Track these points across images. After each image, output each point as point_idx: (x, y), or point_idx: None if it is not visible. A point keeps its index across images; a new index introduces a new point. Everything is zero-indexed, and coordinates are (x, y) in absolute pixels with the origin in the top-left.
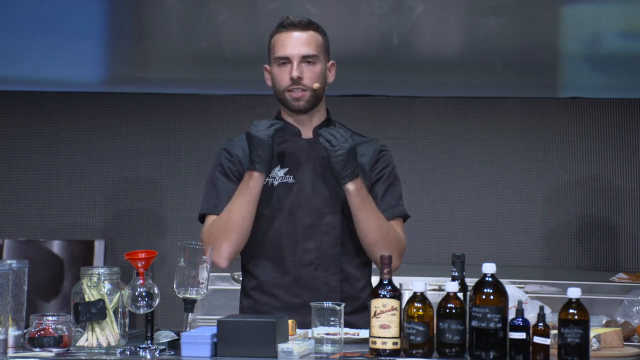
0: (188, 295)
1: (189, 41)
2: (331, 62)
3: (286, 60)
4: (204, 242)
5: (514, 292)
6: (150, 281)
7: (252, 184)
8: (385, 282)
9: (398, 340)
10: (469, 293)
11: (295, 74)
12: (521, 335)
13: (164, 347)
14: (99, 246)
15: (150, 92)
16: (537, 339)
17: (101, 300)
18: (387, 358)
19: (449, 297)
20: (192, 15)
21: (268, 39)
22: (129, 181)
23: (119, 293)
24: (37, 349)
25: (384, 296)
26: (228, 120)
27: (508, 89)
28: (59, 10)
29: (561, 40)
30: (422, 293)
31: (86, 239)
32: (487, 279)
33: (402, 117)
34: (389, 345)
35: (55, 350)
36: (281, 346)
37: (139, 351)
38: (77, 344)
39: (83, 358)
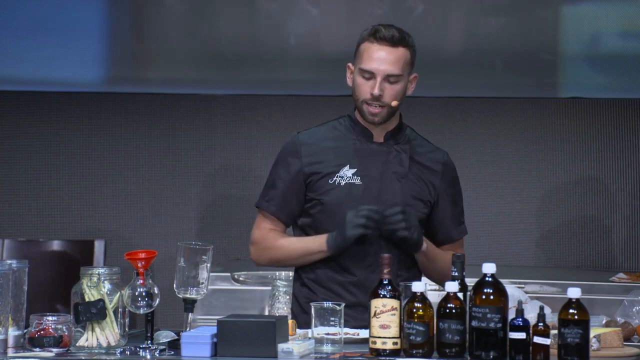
0: (188, 295)
1: (189, 41)
2: (414, 75)
3: (370, 75)
4: (252, 238)
5: (514, 292)
6: (150, 281)
7: (317, 256)
8: (385, 282)
9: (398, 340)
10: (469, 293)
11: (376, 92)
12: (521, 335)
13: (164, 347)
14: (99, 246)
15: (150, 92)
16: (537, 339)
17: (101, 300)
18: (387, 358)
19: (449, 297)
20: (192, 15)
21: (358, 40)
22: (129, 181)
23: (119, 293)
24: (37, 349)
25: (384, 296)
26: (228, 120)
27: (508, 89)
28: (59, 10)
29: (561, 40)
30: (422, 293)
31: (86, 239)
32: (487, 279)
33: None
34: (389, 345)
35: (55, 350)
36: (281, 346)
37: (139, 351)
38: (77, 344)
39: (83, 358)
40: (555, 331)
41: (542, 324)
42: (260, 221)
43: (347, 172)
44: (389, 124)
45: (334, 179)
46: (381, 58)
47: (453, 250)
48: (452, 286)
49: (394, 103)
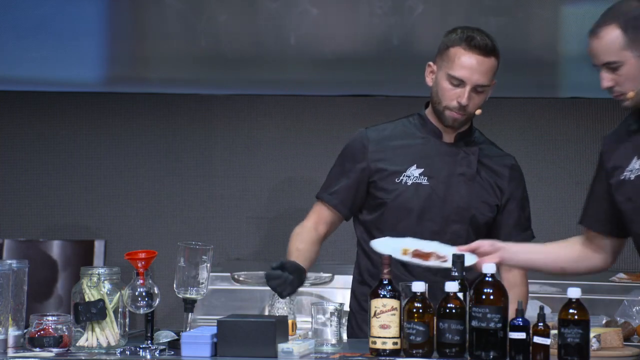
0: (188, 295)
1: (189, 41)
2: (494, 81)
3: (460, 83)
4: (303, 222)
5: None
6: (150, 281)
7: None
8: (385, 282)
9: (398, 340)
10: (468, 293)
11: (465, 101)
12: (521, 335)
13: (164, 347)
14: (98, 246)
15: (150, 92)
16: (537, 339)
17: (101, 300)
18: (387, 358)
19: (449, 297)
20: (192, 15)
21: (445, 41)
22: (129, 181)
23: (119, 293)
24: (37, 349)
25: (384, 296)
26: (228, 120)
27: (508, 89)
28: (59, 10)
29: (561, 40)
30: (422, 293)
31: (86, 239)
32: (487, 279)
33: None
34: (389, 345)
35: (55, 350)
36: (281, 346)
37: (139, 351)
38: (77, 344)
39: (83, 358)
40: (556, 331)
41: (542, 324)
42: (315, 212)
43: (414, 172)
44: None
45: (401, 178)
46: (474, 68)
47: None
48: (452, 286)
49: (478, 112)
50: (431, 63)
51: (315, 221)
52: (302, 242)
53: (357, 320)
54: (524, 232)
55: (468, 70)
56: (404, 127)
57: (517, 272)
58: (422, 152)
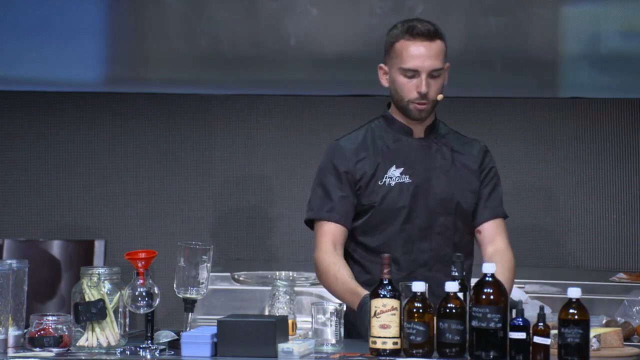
0: (188, 295)
1: (189, 41)
2: (447, 64)
3: (414, 73)
4: (316, 261)
5: (514, 292)
6: (150, 281)
7: (351, 301)
8: (385, 282)
9: (398, 340)
10: (469, 293)
11: (424, 89)
12: (521, 335)
13: (164, 347)
14: (99, 246)
15: (150, 92)
16: (537, 339)
17: (101, 300)
18: (387, 358)
19: (449, 297)
20: (192, 15)
21: (389, 39)
22: (129, 181)
23: (119, 293)
24: (37, 349)
25: (384, 296)
26: (228, 120)
27: (508, 88)
28: (59, 10)
29: (561, 40)
30: (422, 293)
31: (86, 239)
32: (487, 278)
33: None
34: (389, 345)
35: (55, 350)
36: (281, 346)
37: (139, 351)
38: (77, 344)
39: (83, 358)
40: (556, 331)
41: (542, 324)
42: (322, 235)
43: (395, 172)
44: (428, 119)
45: (384, 180)
46: (423, 55)
47: (495, 232)
48: (452, 286)
49: (440, 97)
50: (382, 65)
51: (332, 243)
52: (329, 271)
53: (351, 319)
54: (497, 208)
55: (418, 58)
56: (373, 131)
57: (499, 241)
58: (398, 152)
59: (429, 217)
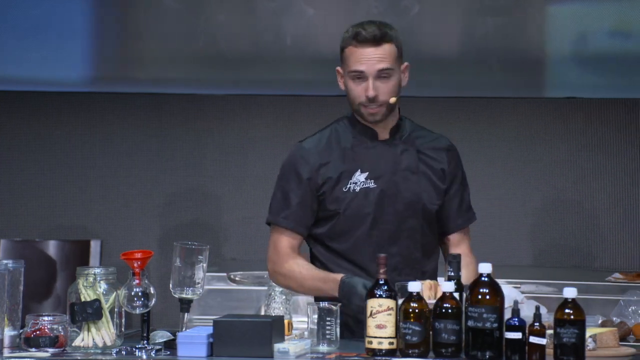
0: (184, 295)
1: (182, 41)
2: (405, 64)
3: (361, 75)
4: (269, 255)
5: (510, 292)
6: (146, 281)
7: (329, 289)
8: (381, 282)
9: (394, 340)
10: (465, 293)
11: (371, 93)
12: (517, 335)
13: (160, 347)
14: (94, 246)
15: (143, 92)
16: (533, 339)
17: (97, 300)
18: (383, 358)
19: (445, 297)
20: (186, 14)
21: (341, 43)
22: (125, 181)
23: (115, 293)
24: (33, 349)
25: (380, 296)
26: (222, 121)
27: (505, 89)
28: (51, 10)
29: (560, 40)
30: (418, 293)
31: (82, 239)
32: (483, 278)
33: None
34: (385, 345)
35: (51, 350)
36: (277, 346)
37: (135, 351)
38: (73, 344)
39: (79, 358)
40: (551, 331)
41: (538, 324)
42: (277, 240)
43: (360, 177)
44: (390, 120)
45: (348, 186)
46: (368, 57)
47: (461, 238)
48: (448, 286)
49: (392, 100)
50: (338, 68)
51: (289, 249)
52: (292, 266)
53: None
54: (467, 213)
55: (365, 62)
56: (337, 133)
57: (464, 246)
58: (363, 156)
59: (397, 221)
